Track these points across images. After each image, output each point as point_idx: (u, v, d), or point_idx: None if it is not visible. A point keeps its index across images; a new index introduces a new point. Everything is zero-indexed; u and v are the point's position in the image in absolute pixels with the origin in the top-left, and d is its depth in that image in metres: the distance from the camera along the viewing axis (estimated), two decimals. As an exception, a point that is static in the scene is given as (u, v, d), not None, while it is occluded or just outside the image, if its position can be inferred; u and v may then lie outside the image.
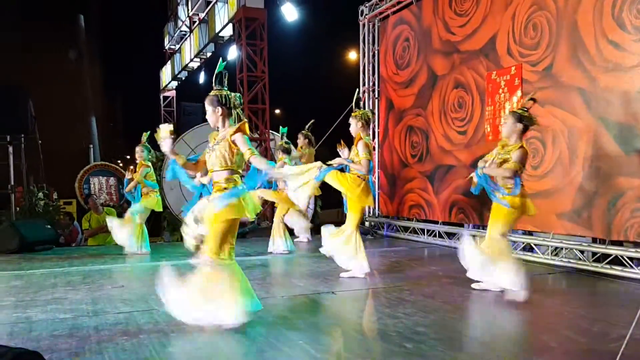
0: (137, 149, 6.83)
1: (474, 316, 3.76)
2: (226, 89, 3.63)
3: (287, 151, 7.19)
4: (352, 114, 5.17)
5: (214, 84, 3.62)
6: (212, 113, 3.55)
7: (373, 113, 5.59)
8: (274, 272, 5.87)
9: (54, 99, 18.64)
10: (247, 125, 3.46)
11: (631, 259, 5.00)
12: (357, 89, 5.47)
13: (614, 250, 5.10)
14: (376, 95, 9.17)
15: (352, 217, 5.07)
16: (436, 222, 7.59)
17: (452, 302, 4.21)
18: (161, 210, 7.29)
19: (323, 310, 4.07)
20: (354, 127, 5.12)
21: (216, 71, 3.58)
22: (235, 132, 3.41)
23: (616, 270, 5.02)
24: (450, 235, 7.32)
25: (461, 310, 3.95)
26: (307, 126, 8.03)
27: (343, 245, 5.05)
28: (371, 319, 3.80)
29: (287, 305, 4.19)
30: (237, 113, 3.56)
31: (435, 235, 7.49)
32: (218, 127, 3.61)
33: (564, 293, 4.17)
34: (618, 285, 4.78)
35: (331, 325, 3.69)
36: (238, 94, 3.66)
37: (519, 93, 6.12)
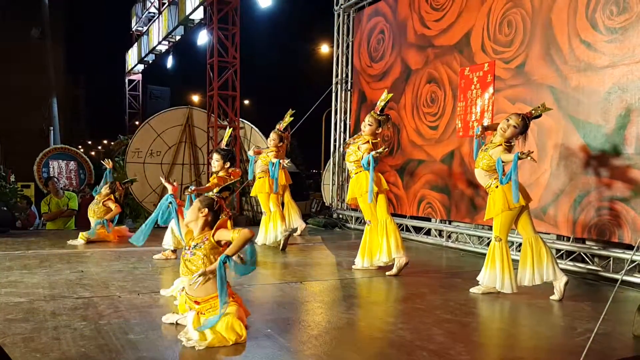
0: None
1: (441, 307, 3.77)
2: None
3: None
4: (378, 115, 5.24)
5: None
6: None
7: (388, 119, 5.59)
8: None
9: (13, 78, 17.88)
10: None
11: (593, 255, 5.12)
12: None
13: (577, 248, 5.21)
14: (349, 87, 9.12)
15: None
16: (404, 216, 7.61)
17: (420, 294, 4.21)
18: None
19: (290, 299, 3.99)
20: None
21: None
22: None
23: (579, 268, 5.12)
24: (418, 230, 7.35)
25: (429, 301, 3.95)
26: (283, 121, 6.66)
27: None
28: (339, 308, 3.75)
29: (255, 294, 4.11)
30: None
31: (403, 229, 7.49)
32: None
33: (529, 289, 4.22)
34: (580, 282, 4.88)
35: (299, 314, 3.63)
36: None
37: (490, 90, 6.16)
